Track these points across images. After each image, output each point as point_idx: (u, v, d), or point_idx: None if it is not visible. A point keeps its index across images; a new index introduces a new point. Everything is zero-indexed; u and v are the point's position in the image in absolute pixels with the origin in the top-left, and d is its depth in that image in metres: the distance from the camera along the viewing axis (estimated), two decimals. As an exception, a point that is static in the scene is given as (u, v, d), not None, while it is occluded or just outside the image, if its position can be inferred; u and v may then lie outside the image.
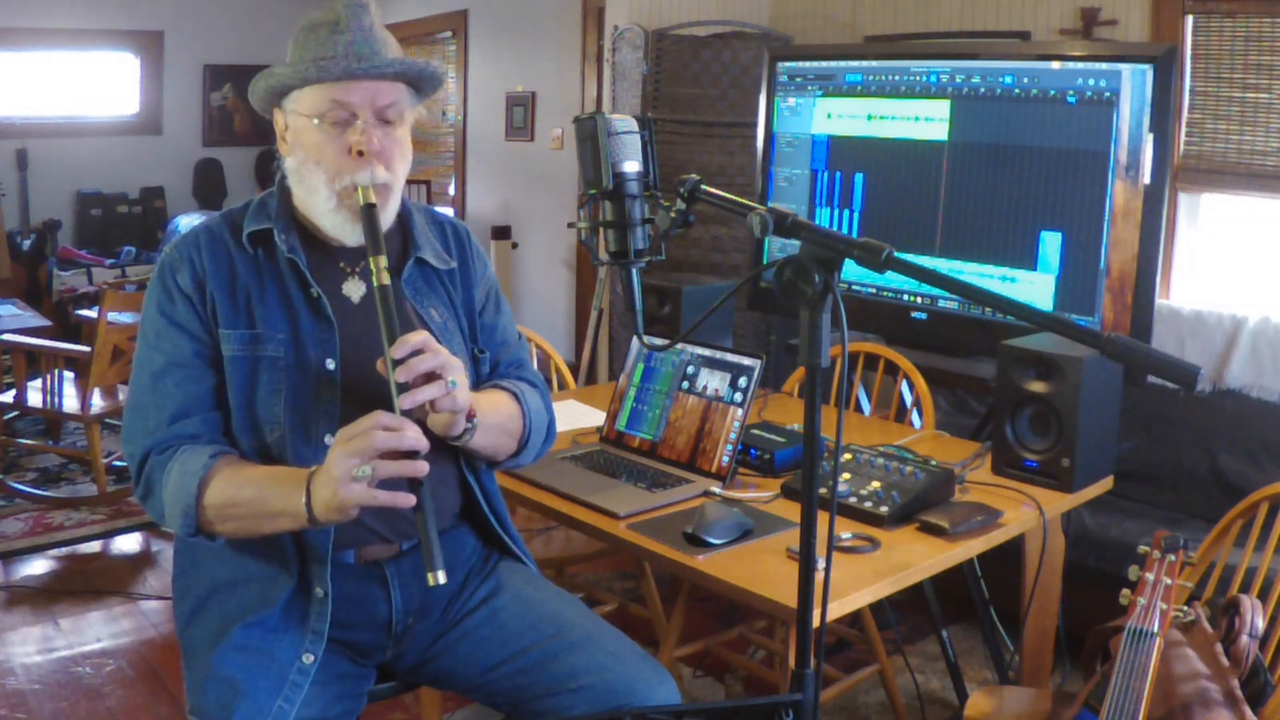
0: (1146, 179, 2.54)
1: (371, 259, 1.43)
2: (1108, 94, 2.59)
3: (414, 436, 1.34)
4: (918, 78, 2.93)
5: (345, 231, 1.52)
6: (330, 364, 1.50)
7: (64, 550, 3.59)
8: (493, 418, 1.56)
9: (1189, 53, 3.28)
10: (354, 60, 1.44)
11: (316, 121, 1.47)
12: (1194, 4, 3.25)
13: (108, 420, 4.05)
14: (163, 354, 1.49)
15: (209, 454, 1.43)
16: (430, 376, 1.38)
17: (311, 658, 1.46)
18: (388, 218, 1.53)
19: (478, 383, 1.66)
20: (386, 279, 1.41)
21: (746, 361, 2.17)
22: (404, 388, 1.36)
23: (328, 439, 1.47)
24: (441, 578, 1.30)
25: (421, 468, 1.34)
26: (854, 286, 3.05)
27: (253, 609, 1.47)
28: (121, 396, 3.99)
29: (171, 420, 1.46)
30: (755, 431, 2.24)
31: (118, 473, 4.17)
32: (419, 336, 1.39)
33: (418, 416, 1.39)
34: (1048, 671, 2.35)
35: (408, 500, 1.33)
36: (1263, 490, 1.88)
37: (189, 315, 1.49)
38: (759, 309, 3.70)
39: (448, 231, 1.71)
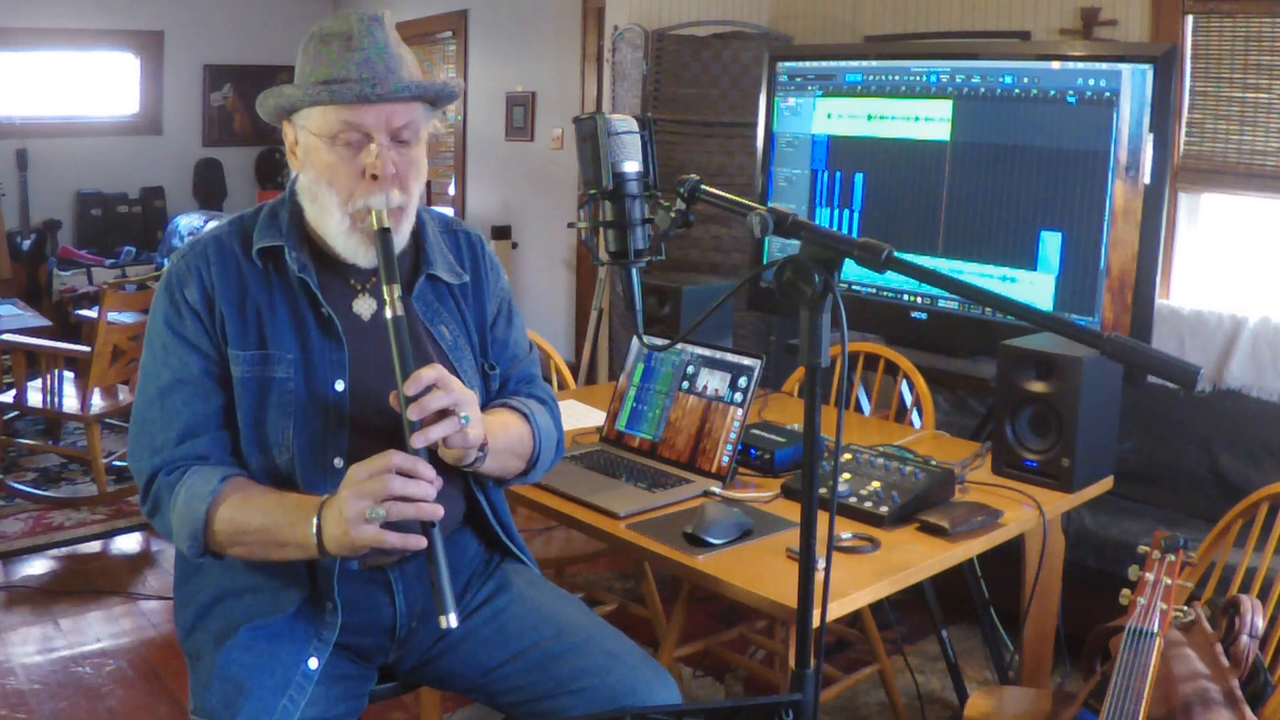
0: (1146, 179, 2.54)
1: (384, 288, 1.40)
2: (1108, 94, 2.59)
3: (428, 481, 1.33)
4: (918, 78, 2.93)
5: (359, 254, 1.49)
6: (339, 385, 1.48)
7: (64, 550, 3.59)
8: (502, 442, 1.54)
9: (1189, 53, 3.28)
10: (367, 85, 1.40)
11: (329, 141, 1.44)
12: (1194, 4, 3.25)
13: (108, 420, 4.05)
14: (170, 370, 1.47)
15: (218, 477, 1.42)
16: (443, 413, 1.37)
17: (316, 662, 1.46)
18: (401, 239, 1.50)
19: (487, 399, 1.65)
20: (400, 309, 1.39)
21: (746, 361, 2.17)
22: (416, 424, 1.36)
23: (337, 462, 1.46)
24: (453, 620, 1.30)
25: (436, 512, 1.33)
26: (854, 286, 3.05)
27: (261, 614, 1.47)
28: (122, 396, 3.99)
29: (179, 440, 1.45)
30: (755, 431, 2.24)
31: (118, 473, 4.17)
32: (432, 372, 1.37)
33: (429, 448, 1.39)
34: (1048, 671, 2.35)
35: (419, 543, 1.33)
36: (1263, 490, 1.88)
37: (197, 331, 1.47)
38: (759, 309, 3.70)
39: (461, 242, 1.69)
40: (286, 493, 1.44)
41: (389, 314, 1.40)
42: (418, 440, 1.35)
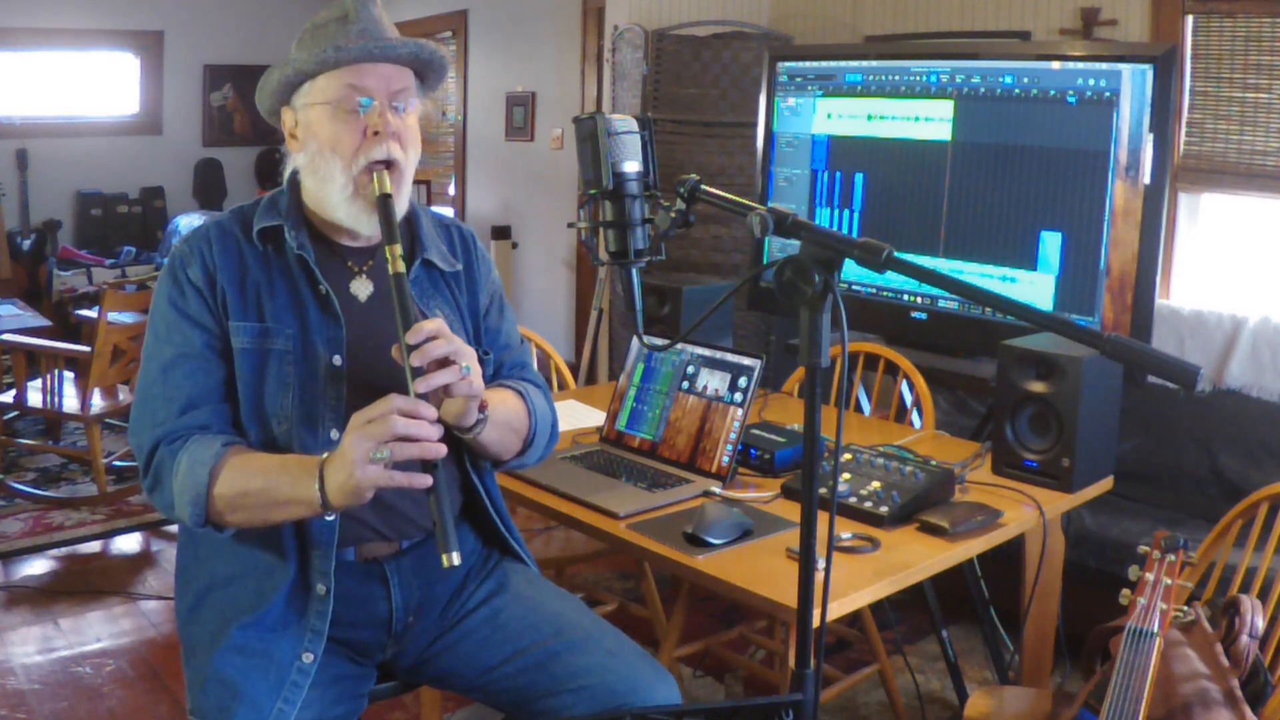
0: (1146, 179, 2.54)
1: (386, 248, 1.43)
2: (1108, 94, 2.59)
3: (431, 420, 1.35)
4: (918, 78, 2.93)
5: (360, 221, 1.52)
6: (337, 360, 1.50)
7: (64, 550, 3.59)
8: (501, 414, 1.57)
9: (1189, 53, 3.28)
10: (370, 40, 1.47)
11: (332, 108, 1.48)
12: (1194, 4, 3.25)
13: (108, 420, 4.05)
14: (173, 346, 1.49)
15: (220, 443, 1.43)
16: (444, 363, 1.39)
17: (311, 657, 1.46)
18: (401, 204, 1.53)
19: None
20: (401, 267, 1.42)
21: (746, 361, 2.17)
22: (419, 373, 1.37)
23: (334, 434, 1.48)
24: (456, 559, 1.31)
25: (440, 449, 1.35)
26: (854, 286, 3.05)
27: (250, 607, 1.47)
28: (122, 397, 3.99)
29: (181, 411, 1.47)
30: (755, 431, 2.24)
31: (118, 473, 4.17)
32: (434, 323, 1.39)
33: (431, 405, 1.40)
34: (1048, 671, 2.35)
35: (424, 481, 1.33)
36: (1263, 490, 1.88)
37: (199, 307, 1.49)
38: (759, 309, 3.70)
39: (453, 234, 1.72)
40: (287, 455, 1.46)
41: (391, 270, 1.42)
42: (420, 385, 1.36)
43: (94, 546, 3.65)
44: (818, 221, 3.12)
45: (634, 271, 1.40)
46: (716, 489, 2.04)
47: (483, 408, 1.49)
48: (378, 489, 1.34)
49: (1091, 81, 2.61)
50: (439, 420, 1.37)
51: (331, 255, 1.57)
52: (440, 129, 7.02)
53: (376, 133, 1.48)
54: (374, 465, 1.31)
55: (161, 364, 1.49)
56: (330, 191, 1.51)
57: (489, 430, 1.53)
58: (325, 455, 1.38)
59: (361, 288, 1.57)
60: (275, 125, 1.59)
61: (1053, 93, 2.68)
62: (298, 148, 1.54)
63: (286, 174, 1.59)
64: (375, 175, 1.48)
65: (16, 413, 4.34)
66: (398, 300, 1.40)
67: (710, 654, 2.69)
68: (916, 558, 1.77)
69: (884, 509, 1.89)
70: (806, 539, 1.21)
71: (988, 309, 2.71)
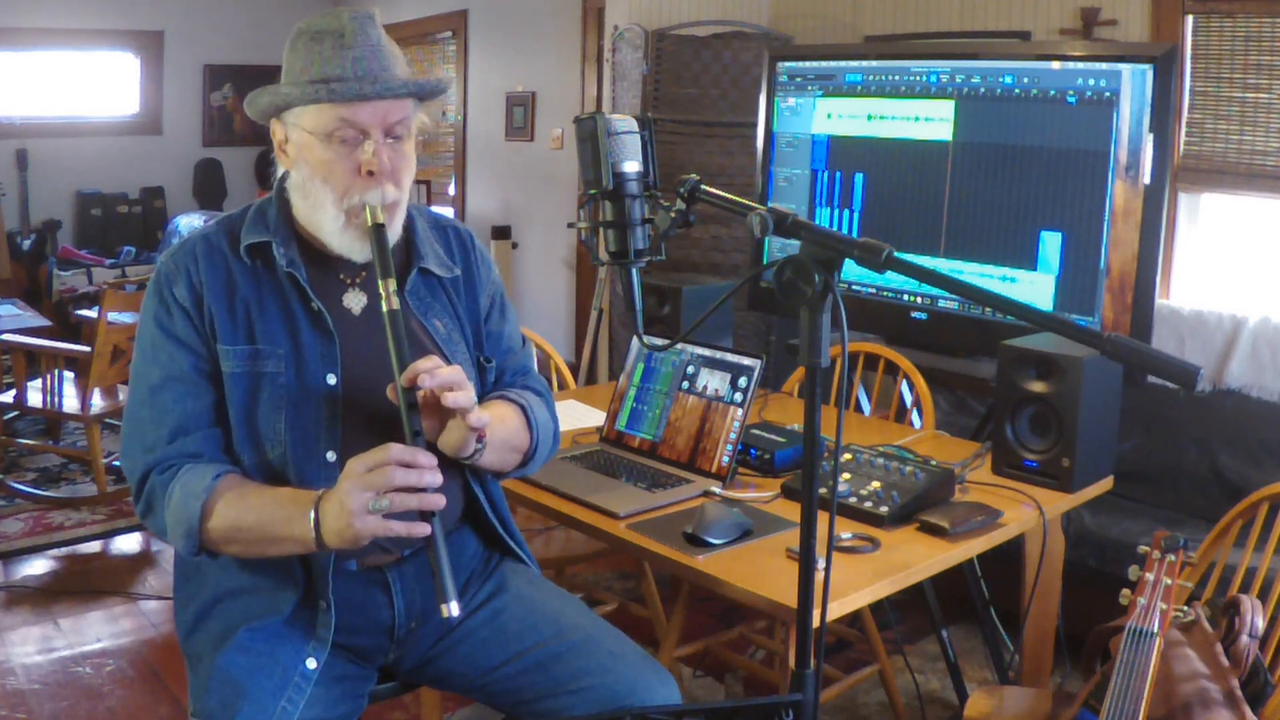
0: (1146, 179, 2.54)
1: (380, 282, 1.41)
2: (1108, 94, 2.59)
3: (431, 471, 1.34)
4: (918, 78, 2.93)
5: (353, 249, 1.50)
6: (331, 379, 1.48)
7: (64, 550, 3.59)
8: (499, 435, 1.55)
9: (1189, 53, 3.28)
10: (366, 82, 1.42)
11: (324, 140, 1.44)
12: (1194, 4, 3.25)
13: (108, 420, 4.05)
14: (160, 367, 1.47)
15: (212, 474, 1.42)
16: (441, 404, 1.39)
17: (315, 663, 1.46)
18: (394, 233, 1.51)
19: (483, 391, 1.65)
20: (396, 303, 1.40)
21: (746, 361, 2.17)
22: (414, 415, 1.37)
23: (330, 456, 1.47)
24: (454, 609, 1.31)
25: (438, 502, 1.34)
26: (854, 286, 3.05)
27: (258, 615, 1.47)
28: (122, 396, 3.99)
29: (171, 438, 1.45)
30: (755, 431, 2.24)
31: (118, 473, 4.16)
32: (429, 363, 1.38)
33: (428, 440, 1.39)
34: (1048, 671, 2.35)
35: (422, 530, 1.33)
36: (1263, 490, 1.88)
37: (186, 329, 1.47)
38: (759, 309, 3.70)
39: (450, 236, 1.69)
40: (281, 489, 1.44)
41: (385, 308, 1.40)
42: (449, 399, 1.37)
43: (94, 546, 3.65)
44: (818, 221, 3.12)
45: (634, 271, 1.40)
46: (716, 489, 2.04)
47: (480, 437, 1.48)
48: (375, 537, 1.34)
49: (1091, 81, 2.61)
50: (433, 448, 1.37)
51: (323, 269, 1.54)
52: (440, 129, 7.02)
53: (371, 173, 1.44)
54: (372, 516, 1.31)
55: (150, 385, 1.47)
56: (322, 220, 1.48)
57: (487, 453, 1.52)
58: (320, 492, 1.37)
59: (355, 300, 1.55)
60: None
61: (1053, 93, 2.68)
62: (288, 163, 1.51)
63: (275, 180, 1.56)
64: (368, 206, 1.45)
65: (16, 413, 4.34)
66: (392, 340, 1.39)
67: (710, 654, 2.69)
68: (916, 558, 1.77)
69: (884, 509, 1.89)
70: (806, 539, 1.21)
71: (988, 309, 2.71)
